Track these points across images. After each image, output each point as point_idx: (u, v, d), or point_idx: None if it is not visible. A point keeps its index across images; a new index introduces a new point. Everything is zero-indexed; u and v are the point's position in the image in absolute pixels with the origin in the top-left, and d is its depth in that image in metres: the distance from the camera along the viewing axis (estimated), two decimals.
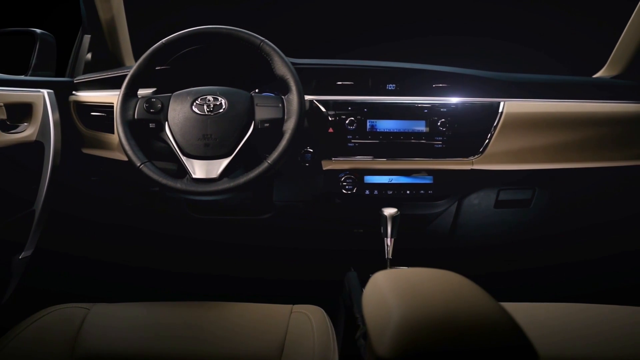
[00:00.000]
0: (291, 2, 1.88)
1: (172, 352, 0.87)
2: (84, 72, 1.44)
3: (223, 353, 0.87)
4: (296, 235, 1.47)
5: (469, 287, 0.62)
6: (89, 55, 1.44)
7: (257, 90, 1.27)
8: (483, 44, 1.85)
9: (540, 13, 1.91)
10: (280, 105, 1.11)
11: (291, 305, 1.00)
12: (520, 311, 0.99)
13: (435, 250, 1.47)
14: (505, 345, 0.52)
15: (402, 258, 1.24)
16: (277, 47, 1.15)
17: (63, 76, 1.45)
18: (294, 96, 1.10)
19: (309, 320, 0.94)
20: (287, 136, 1.08)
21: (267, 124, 1.10)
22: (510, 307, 1.00)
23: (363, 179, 1.29)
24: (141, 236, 1.49)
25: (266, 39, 1.15)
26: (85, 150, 1.32)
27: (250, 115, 1.10)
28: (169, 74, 1.30)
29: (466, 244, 1.49)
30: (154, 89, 1.29)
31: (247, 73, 1.30)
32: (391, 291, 0.61)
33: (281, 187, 1.33)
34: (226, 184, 1.05)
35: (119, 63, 1.47)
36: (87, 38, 1.44)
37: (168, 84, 1.24)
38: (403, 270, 0.69)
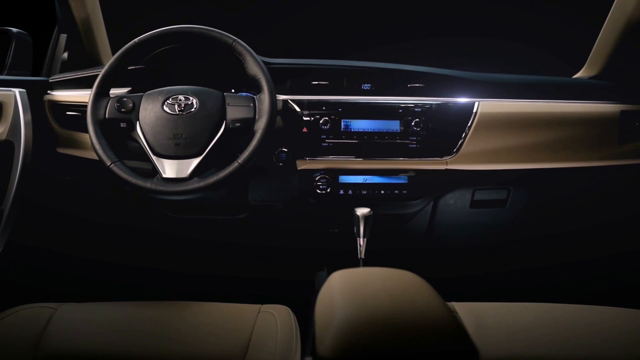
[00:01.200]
0: (271, 3, 1.88)
1: (136, 352, 0.87)
2: (61, 72, 1.44)
3: (188, 353, 0.87)
4: (272, 235, 1.47)
5: (419, 288, 0.62)
6: (66, 55, 1.43)
7: (233, 91, 1.28)
8: (465, 44, 1.85)
9: (525, 12, 1.91)
10: (251, 104, 1.11)
11: (259, 305, 1.00)
12: (491, 311, 1.00)
13: (412, 250, 1.47)
14: (446, 349, 0.52)
15: (378, 258, 1.24)
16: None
17: (40, 76, 1.44)
18: (265, 96, 1.10)
19: (274, 319, 0.94)
20: (257, 136, 1.08)
21: (238, 124, 1.10)
22: (480, 307, 1.01)
23: (337, 179, 1.29)
24: (114, 234, 1.49)
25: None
26: (60, 150, 1.32)
27: (222, 115, 1.10)
28: (145, 73, 1.30)
29: (443, 244, 1.49)
30: (129, 89, 1.29)
31: (225, 73, 1.30)
32: (340, 291, 0.61)
33: (256, 186, 1.33)
34: (196, 184, 1.05)
35: (96, 62, 1.47)
36: (63, 37, 1.44)
37: (143, 84, 1.24)
38: (358, 270, 0.69)
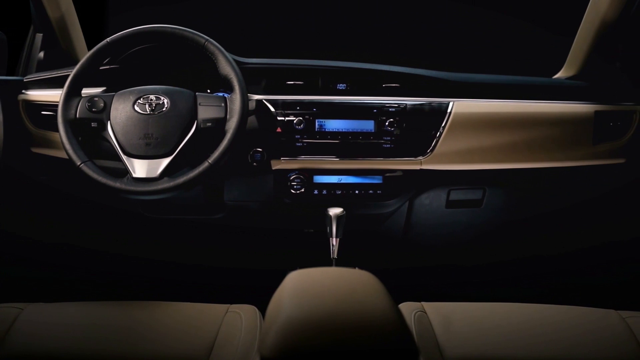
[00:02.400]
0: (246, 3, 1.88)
1: (101, 351, 0.87)
2: (38, 71, 1.43)
3: (153, 352, 0.87)
4: (247, 234, 1.47)
5: (370, 288, 0.62)
6: (42, 54, 1.43)
7: (208, 91, 1.28)
8: (442, 43, 1.85)
9: (507, 11, 1.91)
10: (222, 104, 1.11)
11: (228, 305, 1.00)
12: (460, 311, 1.00)
13: (389, 250, 1.47)
14: (386, 347, 0.52)
15: (354, 258, 1.24)
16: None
17: (16, 75, 1.44)
18: (236, 95, 1.11)
19: (240, 319, 0.95)
20: (228, 136, 1.08)
21: (210, 124, 1.10)
22: (449, 306, 1.01)
23: (312, 179, 1.29)
24: (84, 233, 1.48)
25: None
26: (35, 150, 1.31)
27: (193, 115, 1.10)
28: (120, 73, 1.30)
29: (420, 244, 1.49)
30: (104, 88, 1.29)
31: (200, 73, 1.30)
32: (289, 291, 0.61)
33: (232, 187, 1.33)
34: (166, 184, 1.05)
35: (73, 61, 1.46)
36: (39, 37, 1.43)
37: (119, 84, 1.24)
38: (314, 270, 0.69)
